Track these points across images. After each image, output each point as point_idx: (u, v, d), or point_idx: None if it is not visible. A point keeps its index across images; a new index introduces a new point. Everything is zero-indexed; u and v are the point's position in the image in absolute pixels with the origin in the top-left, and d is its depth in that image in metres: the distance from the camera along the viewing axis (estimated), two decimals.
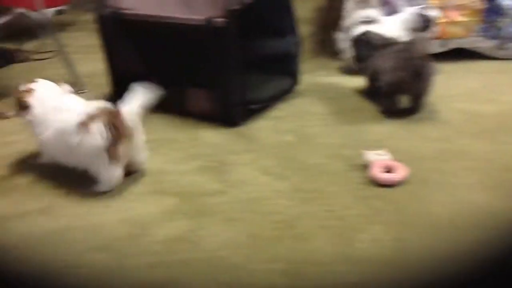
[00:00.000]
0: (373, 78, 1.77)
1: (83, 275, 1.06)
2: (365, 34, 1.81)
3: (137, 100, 1.29)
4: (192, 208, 1.26)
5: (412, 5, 2.09)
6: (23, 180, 1.43)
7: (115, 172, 1.30)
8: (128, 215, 1.25)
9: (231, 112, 1.66)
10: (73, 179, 1.41)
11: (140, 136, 1.33)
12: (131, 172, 1.37)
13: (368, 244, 1.12)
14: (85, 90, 2.10)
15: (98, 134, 1.23)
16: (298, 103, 1.88)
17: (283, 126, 1.69)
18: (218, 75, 1.61)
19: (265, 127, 1.68)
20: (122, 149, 1.27)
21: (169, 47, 1.67)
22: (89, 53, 2.65)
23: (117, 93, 1.87)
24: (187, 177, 1.40)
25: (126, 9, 1.72)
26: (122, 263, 1.09)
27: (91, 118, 1.25)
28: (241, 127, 1.69)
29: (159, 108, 1.81)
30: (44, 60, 2.58)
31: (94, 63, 2.46)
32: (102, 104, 1.31)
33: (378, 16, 1.97)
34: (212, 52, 1.58)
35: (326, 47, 2.34)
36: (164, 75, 1.72)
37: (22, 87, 1.40)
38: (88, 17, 3.66)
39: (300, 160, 1.48)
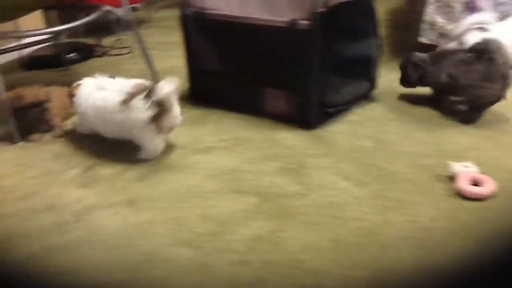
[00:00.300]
0: (446, 89, 1.70)
1: (167, 269, 1.08)
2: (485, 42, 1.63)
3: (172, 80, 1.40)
4: (272, 209, 1.26)
5: (498, 10, 1.99)
6: (106, 172, 1.48)
7: (159, 143, 1.46)
8: (209, 212, 1.26)
9: (309, 114, 1.64)
10: (154, 173, 1.45)
11: (176, 108, 1.46)
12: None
13: (452, 259, 1.07)
14: None
15: (140, 109, 1.35)
16: (374, 108, 1.85)
17: (360, 131, 1.66)
18: (298, 77, 1.60)
19: (342, 131, 1.66)
20: (164, 121, 1.41)
21: (250, 47, 1.69)
22: (163, 50, 2.73)
23: (195, 91, 1.91)
24: (266, 178, 1.41)
25: (209, 9, 1.74)
26: (206, 259, 1.10)
27: (132, 95, 1.37)
28: (318, 130, 1.67)
29: (235, 107, 1.85)
30: (121, 56, 2.67)
31: (168, 60, 2.53)
32: (140, 82, 1.43)
33: (493, 22, 1.78)
34: (294, 54, 1.58)
35: (401, 50, 2.28)
36: (242, 75, 1.74)
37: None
38: (161, 15, 3.78)
39: (380, 167, 1.45)
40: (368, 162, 1.47)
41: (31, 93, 1.68)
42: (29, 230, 1.23)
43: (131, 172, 1.47)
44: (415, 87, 1.83)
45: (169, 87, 1.38)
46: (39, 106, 1.67)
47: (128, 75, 2.19)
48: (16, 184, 1.45)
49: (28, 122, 1.67)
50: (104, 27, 3.09)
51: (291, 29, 1.55)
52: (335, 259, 1.09)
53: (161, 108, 1.39)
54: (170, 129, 1.49)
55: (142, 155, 1.49)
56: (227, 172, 1.44)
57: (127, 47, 2.85)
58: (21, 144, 1.70)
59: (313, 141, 1.60)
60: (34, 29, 2.45)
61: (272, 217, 1.24)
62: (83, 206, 1.32)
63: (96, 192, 1.38)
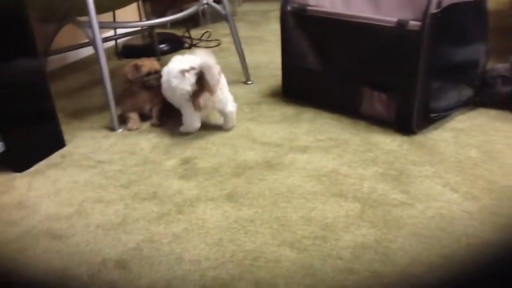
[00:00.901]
0: None
1: (271, 269, 1.07)
2: None
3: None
4: (377, 217, 1.22)
5: None
6: (203, 165, 1.50)
7: (195, 119, 1.63)
8: (311, 215, 1.24)
9: (410, 119, 1.58)
10: (251, 169, 1.44)
11: (224, 93, 1.60)
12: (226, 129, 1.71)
13: None
14: (250, 82, 2.15)
15: (188, 81, 1.51)
16: (477, 115, 1.74)
17: (465, 139, 1.57)
18: (402, 79, 1.54)
19: (446, 139, 1.57)
20: (203, 100, 1.54)
21: (352, 46, 1.64)
22: (247, 45, 2.73)
23: (288, 88, 1.89)
24: (367, 183, 1.36)
25: (310, 5, 1.71)
26: (311, 263, 1.08)
27: (189, 69, 1.52)
28: (419, 135, 1.60)
29: (329, 106, 1.81)
30: (210, 48, 2.69)
31: (253, 55, 2.53)
32: (204, 61, 1.52)
33: None
34: (400, 55, 1.52)
35: (504, 56, 2.13)
36: (340, 74, 1.70)
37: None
38: (244, 8, 3.80)
39: (489, 180, 1.36)
40: (475, 174, 1.39)
41: (147, 63, 1.78)
42: (133, 219, 1.26)
43: (228, 168, 1.48)
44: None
45: (215, 71, 1.52)
46: (156, 73, 1.77)
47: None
48: (119, 170, 1.50)
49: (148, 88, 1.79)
50: (191, 19, 3.14)
51: (399, 29, 1.49)
52: (448, 276, 1.03)
53: (202, 87, 1.53)
54: (213, 109, 1.63)
55: (181, 128, 1.69)
56: (326, 174, 1.41)
57: (216, 40, 2.88)
58: (120, 131, 1.75)
59: (414, 148, 1.53)
60: (136, 20, 2.54)
61: (378, 225, 1.19)
62: (184, 198, 1.34)
63: (196, 184, 1.40)
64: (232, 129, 1.74)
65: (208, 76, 1.51)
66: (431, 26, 1.44)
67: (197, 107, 1.56)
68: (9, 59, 1.43)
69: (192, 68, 1.52)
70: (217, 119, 1.77)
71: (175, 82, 1.56)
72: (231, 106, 1.65)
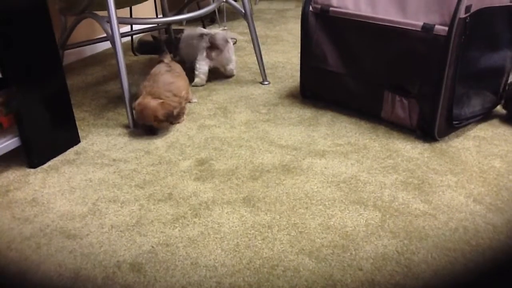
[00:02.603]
0: None
1: (290, 278, 1.04)
2: None
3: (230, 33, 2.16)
4: (398, 227, 1.18)
5: None
6: (220, 167, 1.47)
7: (205, 67, 2.10)
8: (330, 223, 1.21)
9: (433, 126, 1.54)
10: (268, 172, 1.41)
11: (228, 54, 2.12)
12: (227, 76, 2.24)
13: None
14: (266, 82, 2.12)
15: (204, 42, 2.07)
16: (501, 124, 1.70)
17: (488, 148, 1.53)
18: (427, 85, 1.50)
19: (468, 148, 1.53)
20: (213, 54, 2.08)
21: (375, 49, 1.60)
22: (264, 44, 2.70)
23: (306, 89, 1.86)
24: (387, 191, 1.33)
25: (334, 6, 1.68)
26: (330, 273, 1.05)
27: (206, 34, 2.07)
28: (440, 143, 1.56)
29: (347, 109, 1.78)
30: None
31: (270, 55, 2.50)
32: (217, 31, 2.10)
33: None
34: (425, 60, 1.48)
35: None
36: (361, 77, 1.66)
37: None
38: (260, 7, 3.76)
39: None
40: (500, 185, 1.35)
41: (174, 100, 1.70)
42: (148, 221, 1.24)
43: (244, 170, 1.45)
44: None
45: (223, 37, 2.08)
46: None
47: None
48: (134, 170, 1.47)
49: None
50: (207, 16, 3.12)
51: (425, 33, 1.45)
52: None
53: (214, 46, 2.07)
54: (224, 68, 2.18)
55: (193, 83, 2.11)
56: (345, 180, 1.38)
57: (233, 38, 2.84)
58: (133, 130, 1.73)
59: (435, 155, 1.49)
60: (153, 17, 2.52)
61: (398, 235, 1.16)
62: (200, 201, 1.31)
63: (212, 187, 1.37)
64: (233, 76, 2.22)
65: (218, 40, 2.05)
66: (459, 31, 1.40)
67: (209, 57, 2.08)
68: (28, 51, 1.41)
69: (209, 33, 2.08)
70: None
71: (196, 41, 2.10)
72: (232, 65, 2.18)
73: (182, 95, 1.70)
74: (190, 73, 2.10)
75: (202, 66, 2.11)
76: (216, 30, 2.12)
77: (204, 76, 2.12)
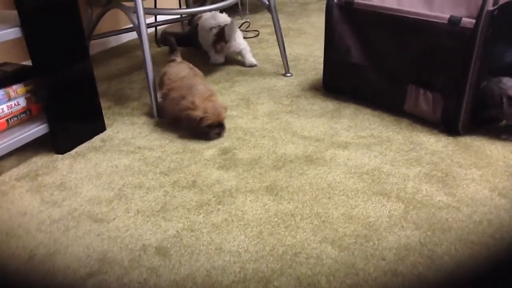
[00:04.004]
0: None
1: (312, 266, 1.05)
2: None
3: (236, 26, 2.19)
4: (421, 219, 1.18)
5: None
6: (243, 156, 1.49)
7: (218, 57, 2.27)
8: (353, 213, 1.21)
9: (457, 120, 1.53)
10: (291, 162, 1.42)
11: (235, 43, 2.22)
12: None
13: None
14: (289, 74, 2.13)
15: (211, 36, 2.20)
16: None
17: None
18: (452, 79, 1.49)
19: (493, 142, 1.52)
20: (220, 47, 2.20)
21: (400, 41, 1.60)
22: (286, 37, 2.70)
23: (329, 82, 1.86)
24: (410, 183, 1.32)
25: None
26: (353, 262, 1.05)
27: (215, 26, 2.20)
28: (465, 137, 1.55)
29: (370, 102, 1.77)
30: (248, 39, 2.67)
31: (292, 47, 2.50)
32: (227, 22, 2.21)
33: None
34: (451, 54, 1.47)
35: None
36: (385, 70, 1.66)
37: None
38: (282, 0, 3.75)
39: None
40: None
41: (214, 113, 1.57)
42: (173, 207, 1.26)
43: (267, 160, 1.46)
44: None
45: (229, 29, 2.15)
46: (220, 126, 1.61)
47: (255, 59, 2.21)
48: (159, 157, 1.50)
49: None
50: (230, 8, 3.13)
51: (451, 27, 1.44)
52: None
53: (220, 38, 2.18)
54: (230, 51, 2.27)
55: (210, 61, 2.31)
56: (368, 172, 1.38)
57: (255, 30, 2.86)
58: (158, 119, 1.75)
59: (460, 149, 1.48)
60: (178, 8, 2.54)
61: (421, 227, 1.16)
62: (223, 188, 1.33)
63: (235, 175, 1.39)
64: (253, 67, 2.27)
65: (226, 32, 2.15)
66: (486, 24, 1.39)
67: (216, 50, 2.23)
68: (57, 41, 1.44)
69: (218, 26, 2.19)
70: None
71: (208, 33, 2.23)
72: (248, 55, 2.26)
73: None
74: (207, 57, 2.35)
75: (217, 59, 2.29)
76: (225, 18, 2.25)
77: (219, 62, 2.32)
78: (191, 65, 1.81)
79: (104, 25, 2.50)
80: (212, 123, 1.55)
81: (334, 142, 1.55)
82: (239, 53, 2.28)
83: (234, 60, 2.36)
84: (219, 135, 1.59)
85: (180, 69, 1.73)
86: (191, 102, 1.56)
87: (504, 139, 1.49)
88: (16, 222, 1.22)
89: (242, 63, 2.28)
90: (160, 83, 1.77)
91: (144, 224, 1.20)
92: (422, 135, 1.58)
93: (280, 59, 2.20)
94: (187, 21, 2.69)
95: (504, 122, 1.56)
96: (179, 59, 1.84)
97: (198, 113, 1.54)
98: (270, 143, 1.56)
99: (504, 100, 1.47)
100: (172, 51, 1.89)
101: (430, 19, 1.50)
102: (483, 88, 1.50)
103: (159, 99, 1.75)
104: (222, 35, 2.19)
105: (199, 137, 1.59)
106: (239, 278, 1.02)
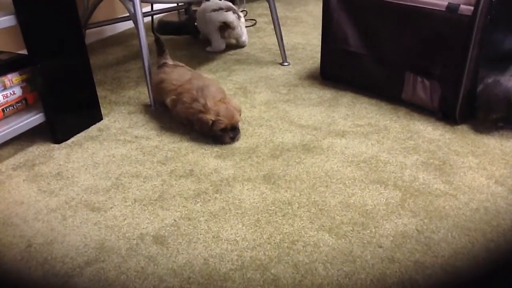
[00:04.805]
0: None
1: (310, 253, 1.05)
2: None
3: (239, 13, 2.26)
4: (418, 206, 1.19)
5: None
6: (240, 145, 1.49)
7: (221, 44, 2.30)
8: (350, 201, 1.21)
9: (454, 108, 1.52)
10: (288, 151, 1.42)
11: (241, 29, 2.30)
12: (240, 47, 2.41)
13: None
14: (286, 63, 2.12)
15: (217, 18, 2.21)
16: None
17: (510, 131, 1.51)
18: (450, 66, 1.48)
19: (490, 130, 1.52)
20: (227, 33, 2.24)
21: (398, 29, 1.59)
22: (284, 25, 2.68)
23: (326, 70, 1.85)
24: (408, 171, 1.33)
25: None
26: (350, 249, 1.06)
27: (219, 10, 2.22)
28: (462, 125, 1.55)
29: (368, 90, 1.77)
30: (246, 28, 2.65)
31: (290, 36, 2.49)
32: (228, 6, 2.26)
33: None
34: (449, 41, 1.46)
35: None
36: (384, 57, 1.65)
37: None
38: None
39: None
40: None
41: (226, 117, 1.48)
42: (170, 196, 1.26)
43: (264, 149, 1.46)
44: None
45: (233, 17, 2.21)
46: (235, 129, 1.52)
47: (253, 48, 2.20)
48: (156, 147, 1.50)
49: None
50: None
51: (449, 14, 1.43)
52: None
53: (226, 25, 2.22)
54: (237, 40, 2.37)
55: (209, 49, 2.33)
56: (366, 160, 1.38)
57: (252, 19, 2.84)
58: (153, 109, 1.75)
59: (457, 137, 1.48)
60: None
61: (418, 214, 1.16)
62: (221, 177, 1.33)
63: (232, 164, 1.39)
64: (251, 56, 2.28)
65: (230, 19, 2.19)
66: (484, 12, 1.38)
67: (222, 36, 2.25)
68: (52, 30, 1.43)
69: (220, 9, 2.22)
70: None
71: (209, 16, 2.23)
72: (244, 37, 2.35)
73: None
74: (206, 43, 2.39)
75: (219, 45, 2.31)
76: (228, 4, 2.27)
77: (219, 50, 2.33)
78: (187, 67, 1.71)
79: (100, 13, 2.48)
80: (225, 127, 1.47)
81: (331, 130, 1.55)
82: (239, 39, 2.35)
83: (232, 48, 2.35)
84: (233, 139, 1.50)
85: (182, 73, 1.61)
86: (202, 105, 1.47)
87: (501, 127, 1.48)
88: (13, 212, 1.22)
89: (235, 46, 2.36)
90: (159, 91, 1.62)
91: (142, 213, 1.20)
92: (420, 123, 1.58)
93: (278, 48, 2.19)
94: (183, 10, 2.67)
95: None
96: (170, 61, 1.71)
97: (210, 117, 1.46)
98: (268, 132, 1.55)
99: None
100: (161, 53, 1.73)
101: (428, 7, 1.49)
102: (485, 93, 1.48)
103: (167, 103, 1.60)
104: (229, 22, 2.23)
105: (214, 141, 1.52)
106: (237, 266, 1.02)
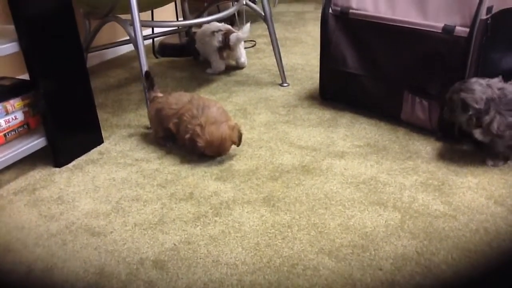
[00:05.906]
0: None
1: (310, 277, 1.05)
2: None
3: (243, 32, 2.21)
4: (418, 228, 1.19)
5: None
6: (240, 167, 1.49)
7: (220, 65, 2.31)
8: (350, 223, 1.22)
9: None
10: (288, 172, 1.42)
11: (240, 50, 2.33)
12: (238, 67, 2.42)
13: None
14: (286, 84, 2.14)
15: (217, 40, 2.22)
16: None
17: None
18: (447, 86, 1.49)
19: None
20: (225, 54, 2.26)
21: (395, 50, 1.61)
22: (282, 46, 2.71)
23: (325, 90, 1.87)
24: (407, 192, 1.33)
25: (354, 8, 1.68)
26: (350, 273, 1.06)
27: (218, 31, 2.23)
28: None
29: (366, 111, 1.78)
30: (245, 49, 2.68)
31: (289, 57, 2.51)
32: (227, 28, 2.27)
33: None
34: (446, 62, 1.48)
35: None
36: (381, 79, 1.67)
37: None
38: (279, 9, 3.78)
39: None
40: None
41: (225, 146, 1.51)
42: (170, 219, 1.26)
43: (264, 170, 1.47)
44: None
45: (235, 38, 2.20)
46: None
47: (252, 69, 2.22)
48: (156, 170, 1.50)
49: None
50: (227, 19, 3.14)
51: (446, 35, 1.45)
52: None
53: (226, 45, 2.23)
54: (236, 62, 2.39)
55: (209, 70, 2.35)
56: (365, 181, 1.39)
57: (252, 40, 2.87)
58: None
59: (456, 157, 1.49)
60: (175, 20, 2.56)
61: (418, 236, 1.16)
62: (220, 200, 1.33)
63: (232, 187, 1.39)
64: (250, 78, 2.30)
65: (231, 41, 2.20)
66: (480, 33, 1.40)
67: (221, 57, 2.26)
68: (54, 54, 1.45)
69: (220, 31, 2.23)
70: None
71: (209, 39, 2.25)
72: (243, 59, 2.38)
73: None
74: (206, 65, 2.40)
75: (219, 66, 2.32)
76: (227, 27, 2.29)
77: (219, 71, 2.34)
78: (170, 93, 1.65)
79: (102, 37, 2.51)
80: (212, 155, 1.51)
81: (330, 151, 1.56)
82: (238, 60, 2.38)
83: (232, 69, 2.37)
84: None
85: (179, 96, 1.59)
86: (198, 124, 1.47)
87: (492, 166, 1.46)
88: (14, 237, 1.22)
89: (235, 68, 2.39)
90: (160, 120, 1.59)
91: (142, 237, 1.20)
92: (419, 143, 1.58)
93: (277, 69, 2.21)
94: (184, 32, 2.70)
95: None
96: (160, 94, 1.66)
97: (200, 142, 1.46)
98: (267, 154, 1.56)
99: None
100: (151, 87, 1.66)
101: (425, 28, 1.51)
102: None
103: (171, 127, 1.58)
104: (227, 43, 2.24)
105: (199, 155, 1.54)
106: None
